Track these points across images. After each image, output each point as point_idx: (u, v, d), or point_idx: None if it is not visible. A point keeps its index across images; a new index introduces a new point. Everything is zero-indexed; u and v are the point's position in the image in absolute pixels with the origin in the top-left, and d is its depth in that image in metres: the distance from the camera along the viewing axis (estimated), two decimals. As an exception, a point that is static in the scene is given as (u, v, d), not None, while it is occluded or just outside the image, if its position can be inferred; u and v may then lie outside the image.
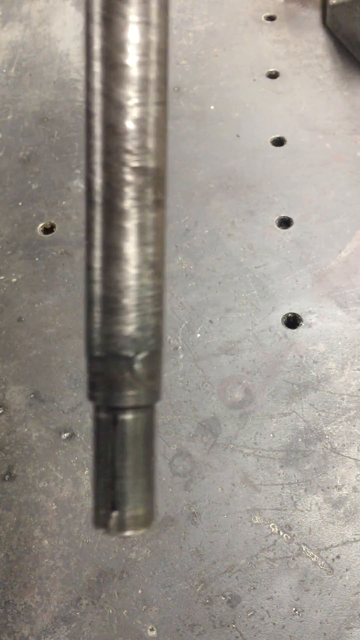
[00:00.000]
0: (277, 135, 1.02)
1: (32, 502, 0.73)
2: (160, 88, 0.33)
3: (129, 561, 0.69)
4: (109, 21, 0.30)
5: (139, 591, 0.67)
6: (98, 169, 0.33)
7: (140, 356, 0.33)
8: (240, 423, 0.76)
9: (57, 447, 0.76)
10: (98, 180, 0.33)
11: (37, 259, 0.93)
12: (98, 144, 0.32)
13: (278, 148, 1.00)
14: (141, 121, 0.32)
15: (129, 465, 0.34)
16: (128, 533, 0.34)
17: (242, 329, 0.82)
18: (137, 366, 0.33)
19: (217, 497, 0.71)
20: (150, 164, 0.32)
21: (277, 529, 0.69)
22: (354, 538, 0.67)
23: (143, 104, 0.32)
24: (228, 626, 0.65)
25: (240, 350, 0.81)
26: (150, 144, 0.32)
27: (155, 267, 0.34)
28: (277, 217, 0.93)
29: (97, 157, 0.32)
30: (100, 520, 0.35)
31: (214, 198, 0.96)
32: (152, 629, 0.65)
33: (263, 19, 1.19)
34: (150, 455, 0.36)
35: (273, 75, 1.10)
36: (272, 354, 0.80)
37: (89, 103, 0.32)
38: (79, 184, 1.00)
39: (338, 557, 0.67)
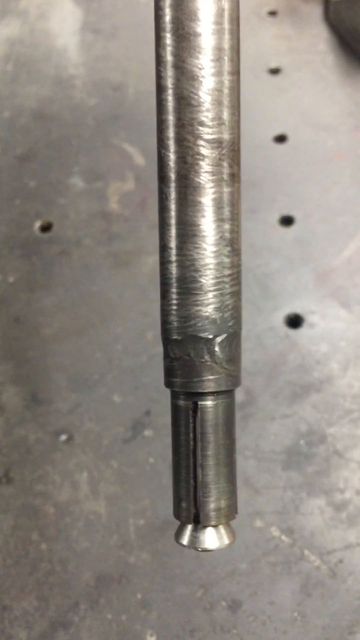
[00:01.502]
0: (279, 132, 1.00)
1: (30, 505, 0.72)
2: (233, 57, 0.31)
3: (128, 565, 0.67)
4: None
5: (139, 596, 0.66)
6: (171, 144, 0.31)
7: (220, 338, 0.32)
8: (241, 425, 0.74)
9: (55, 449, 0.75)
10: (172, 156, 0.31)
11: (34, 258, 0.92)
12: (171, 118, 0.31)
13: (280, 145, 0.99)
14: (216, 91, 0.30)
15: (211, 454, 0.32)
16: (211, 525, 0.32)
17: (244, 329, 0.81)
18: (217, 349, 0.32)
19: (217, 500, 0.70)
20: (226, 136, 0.31)
21: (278, 533, 0.68)
22: (357, 542, 0.66)
23: (218, 73, 0.30)
24: (229, 631, 0.64)
25: (242, 351, 0.80)
26: (226, 115, 0.31)
27: (233, 244, 0.32)
28: (279, 216, 0.91)
29: (170, 132, 0.31)
30: (182, 513, 0.33)
31: (214, 196, 0.94)
32: (151, 635, 0.64)
33: (264, 14, 1.18)
34: (232, 444, 0.34)
35: (275, 71, 1.09)
36: (273, 355, 0.79)
37: (160, 77, 0.31)
38: (77, 182, 0.99)
39: (341, 561, 0.66)
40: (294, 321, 0.82)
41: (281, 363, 0.78)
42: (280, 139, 1.00)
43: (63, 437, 0.76)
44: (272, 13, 1.17)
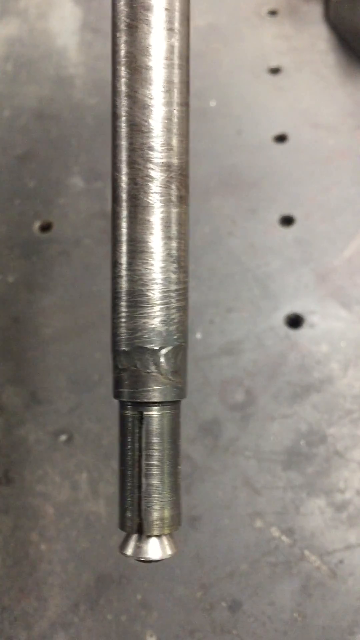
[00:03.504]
0: (279, 132, 1.00)
1: (29, 505, 0.72)
2: (182, 90, 0.34)
3: (128, 566, 0.67)
4: (133, 28, 0.32)
5: (138, 596, 0.66)
6: (123, 167, 0.33)
7: (165, 350, 0.33)
8: (241, 425, 0.74)
9: (55, 449, 0.75)
10: (123, 177, 0.33)
11: (34, 258, 0.92)
12: (124, 142, 0.33)
13: (280, 145, 0.99)
14: (165, 120, 0.33)
15: (155, 464, 0.34)
16: (154, 535, 0.33)
17: (244, 329, 0.81)
18: (163, 360, 0.33)
19: (217, 500, 0.70)
20: (174, 160, 0.33)
21: (279, 533, 0.68)
22: (358, 542, 0.66)
23: (167, 103, 0.33)
24: (229, 632, 0.63)
25: (242, 351, 0.79)
26: (175, 141, 0.33)
27: (180, 261, 0.34)
28: (279, 215, 0.91)
29: (123, 155, 0.33)
30: (126, 523, 0.34)
31: (214, 196, 0.94)
32: (151, 635, 0.64)
33: (264, 13, 1.17)
34: (177, 455, 0.35)
35: (275, 71, 1.09)
36: (273, 355, 0.79)
37: (115, 106, 0.33)
38: (77, 182, 0.99)
39: (341, 561, 0.66)
40: (294, 321, 0.82)
41: (281, 363, 0.78)
42: (281, 138, 1.00)
43: (63, 437, 0.76)
44: (272, 13, 1.17)
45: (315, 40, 1.11)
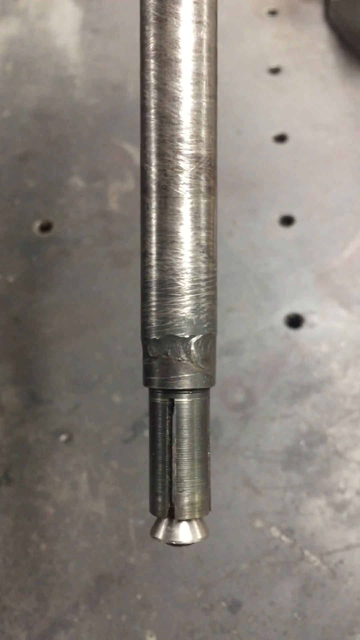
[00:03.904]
0: (279, 132, 1.00)
1: (30, 505, 0.72)
2: (211, 82, 0.34)
3: (128, 566, 0.67)
4: (162, 21, 0.32)
5: (138, 596, 0.66)
6: (153, 158, 0.34)
7: (196, 338, 0.34)
8: (241, 425, 0.74)
9: (55, 449, 0.75)
10: (153, 169, 0.34)
11: (34, 257, 0.92)
12: (153, 134, 0.34)
13: (280, 145, 0.99)
14: (194, 112, 0.33)
15: (186, 450, 0.34)
16: (185, 519, 0.34)
17: (244, 329, 0.81)
18: (193, 348, 0.34)
19: (217, 500, 0.70)
20: (203, 152, 0.34)
21: (279, 533, 0.68)
22: (358, 542, 0.66)
23: (196, 95, 0.33)
24: (229, 632, 0.63)
25: (242, 351, 0.79)
26: (204, 133, 0.34)
27: (209, 251, 0.35)
28: (279, 215, 0.91)
29: (152, 147, 0.34)
30: (157, 508, 0.35)
31: (214, 196, 0.94)
32: (151, 635, 0.64)
33: (264, 13, 1.17)
34: (206, 441, 0.36)
35: (275, 71, 1.09)
36: (273, 355, 0.79)
37: (144, 98, 0.34)
38: (77, 182, 0.99)
39: (341, 561, 0.66)
40: (294, 321, 0.82)
41: (281, 363, 0.78)
42: (281, 138, 1.00)
43: (63, 437, 0.76)
44: (273, 13, 1.17)
45: (315, 40, 1.11)
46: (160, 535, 0.35)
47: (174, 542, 0.34)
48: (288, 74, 1.08)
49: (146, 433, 0.75)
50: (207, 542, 0.68)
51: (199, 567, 0.67)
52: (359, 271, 0.84)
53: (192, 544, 0.35)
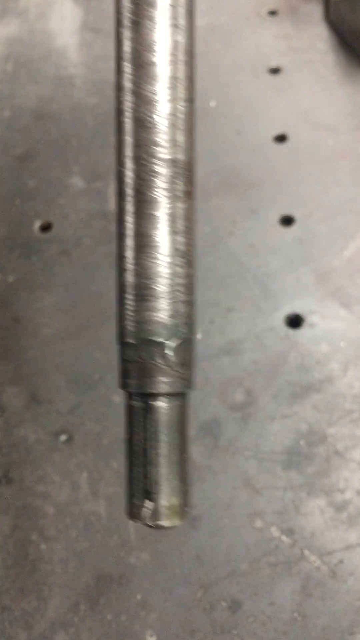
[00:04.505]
0: (279, 132, 1.00)
1: (29, 505, 0.72)
2: (188, 86, 0.33)
3: (128, 566, 0.67)
4: (137, 24, 0.32)
5: (138, 596, 0.66)
6: (128, 161, 0.34)
7: (172, 343, 0.33)
8: (241, 425, 0.74)
9: (55, 449, 0.75)
10: (128, 173, 0.34)
11: (34, 258, 0.92)
12: (128, 138, 0.33)
13: (280, 145, 0.99)
14: (170, 116, 0.33)
15: (163, 453, 0.34)
16: (163, 524, 0.33)
17: (244, 329, 0.81)
18: (169, 352, 0.33)
19: (217, 500, 0.70)
20: (180, 156, 0.33)
21: (279, 533, 0.68)
22: (358, 542, 0.66)
23: (172, 99, 0.33)
24: (229, 632, 0.64)
25: (242, 351, 0.79)
26: (180, 137, 0.33)
27: (186, 255, 0.34)
28: (279, 215, 0.91)
29: (128, 151, 0.33)
30: (134, 510, 0.34)
31: (214, 196, 0.94)
32: (151, 635, 0.64)
33: (264, 13, 1.17)
34: (184, 444, 0.35)
35: (275, 71, 1.09)
36: (273, 355, 0.79)
37: (119, 101, 0.34)
38: (77, 182, 0.99)
39: (341, 561, 0.66)
40: (294, 321, 0.82)
41: (281, 363, 0.78)
42: (281, 138, 1.00)
43: (63, 437, 0.76)
44: (272, 13, 1.17)
45: (315, 40, 1.11)
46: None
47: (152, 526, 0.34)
48: (288, 74, 1.08)
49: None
50: (207, 543, 0.68)
51: (199, 567, 0.67)
52: (359, 271, 0.84)
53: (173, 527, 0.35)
